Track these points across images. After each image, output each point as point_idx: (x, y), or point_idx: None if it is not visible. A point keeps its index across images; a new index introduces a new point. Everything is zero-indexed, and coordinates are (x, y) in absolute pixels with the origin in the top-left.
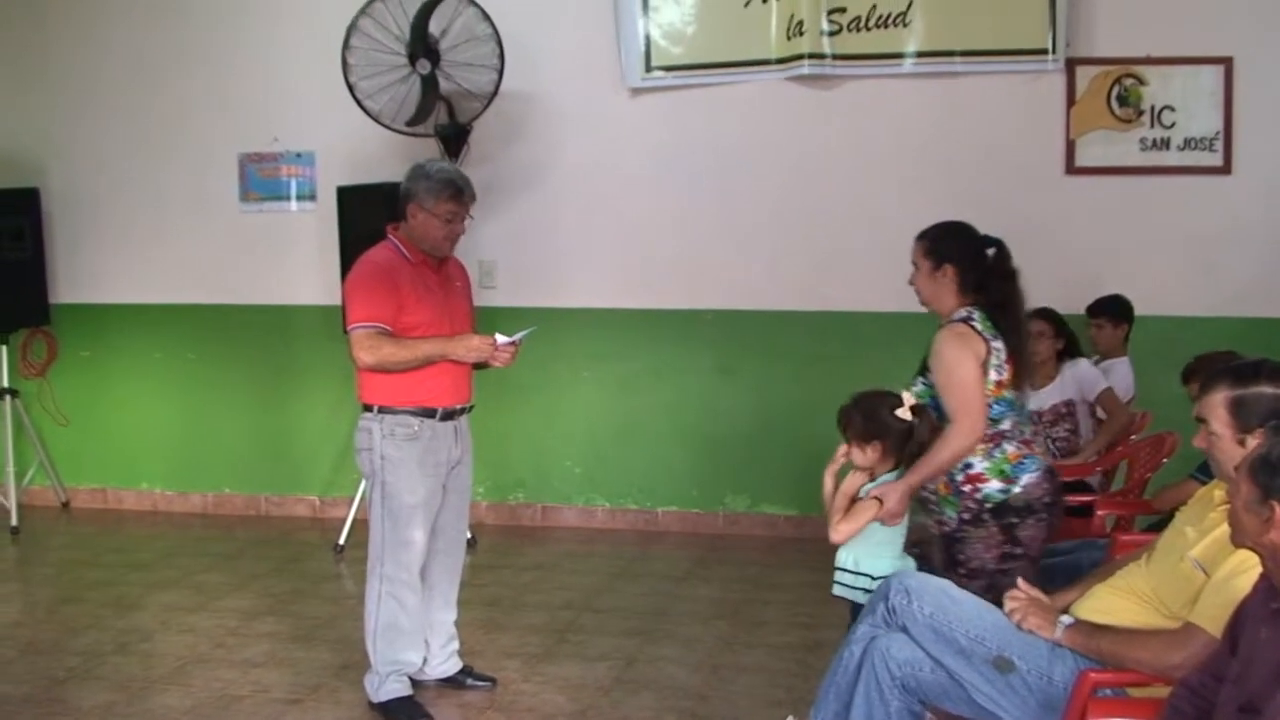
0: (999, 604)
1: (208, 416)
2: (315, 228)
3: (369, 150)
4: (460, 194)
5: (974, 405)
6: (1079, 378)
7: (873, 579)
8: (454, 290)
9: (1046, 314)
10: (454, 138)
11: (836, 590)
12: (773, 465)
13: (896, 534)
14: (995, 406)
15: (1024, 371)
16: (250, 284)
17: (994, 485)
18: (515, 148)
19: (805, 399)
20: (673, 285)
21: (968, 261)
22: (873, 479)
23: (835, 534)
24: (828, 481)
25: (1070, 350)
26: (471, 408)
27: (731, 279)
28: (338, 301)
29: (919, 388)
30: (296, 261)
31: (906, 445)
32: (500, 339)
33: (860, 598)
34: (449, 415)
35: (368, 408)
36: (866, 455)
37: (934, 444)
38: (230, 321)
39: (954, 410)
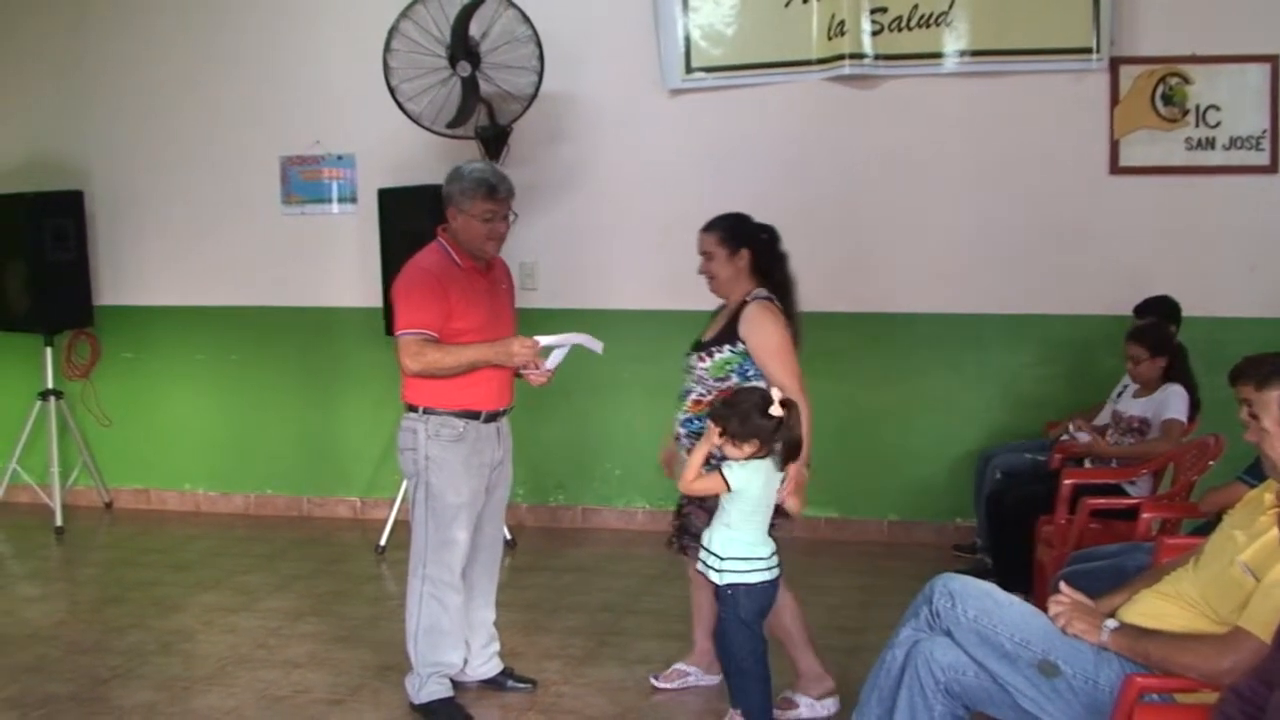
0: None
1: (249, 418)
2: (356, 230)
3: (410, 153)
4: (494, 191)
5: (798, 370)
6: (1163, 399)
7: (720, 558)
8: (501, 293)
9: (1139, 335)
10: (494, 139)
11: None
12: (813, 467)
13: (749, 516)
14: None
15: (799, 349)
16: (291, 286)
17: None
18: (555, 149)
19: (847, 401)
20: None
21: (760, 244)
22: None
23: (690, 490)
24: (698, 455)
25: (1177, 368)
26: (512, 409)
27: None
28: (379, 304)
29: (725, 354)
30: (337, 263)
31: (776, 436)
32: (543, 341)
33: (713, 576)
34: (492, 417)
35: (412, 408)
36: (743, 450)
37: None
38: (271, 323)
39: (783, 375)
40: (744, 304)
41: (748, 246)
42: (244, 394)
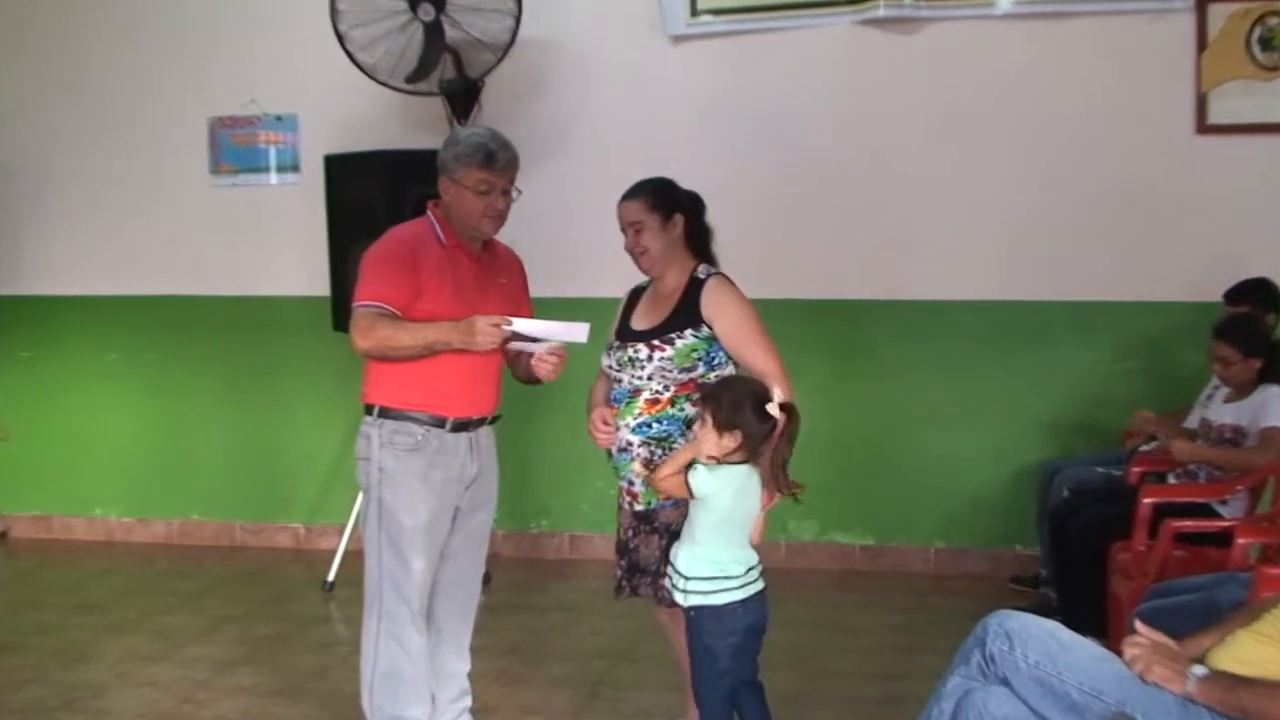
0: None
1: (172, 430)
2: (299, 205)
3: (362, 112)
4: (491, 160)
5: (777, 354)
6: (1261, 404)
7: (684, 577)
8: (497, 288)
9: (1227, 332)
10: (462, 96)
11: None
12: (844, 484)
13: (716, 529)
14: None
15: None
16: (222, 272)
17: None
18: (535, 107)
19: (882, 405)
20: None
21: (689, 209)
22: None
23: (657, 488)
24: (682, 454)
25: (1277, 367)
26: (495, 419)
27: (794, 263)
28: (326, 292)
29: (689, 340)
30: (277, 245)
31: (763, 442)
32: (521, 326)
33: (678, 597)
34: (462, 426)
35: (368, 409)
36: (722, 443)
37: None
38: (199, 316)
39: (768, 362)
40: (695, 281)
41: (680, 213)
42: (165, 401)
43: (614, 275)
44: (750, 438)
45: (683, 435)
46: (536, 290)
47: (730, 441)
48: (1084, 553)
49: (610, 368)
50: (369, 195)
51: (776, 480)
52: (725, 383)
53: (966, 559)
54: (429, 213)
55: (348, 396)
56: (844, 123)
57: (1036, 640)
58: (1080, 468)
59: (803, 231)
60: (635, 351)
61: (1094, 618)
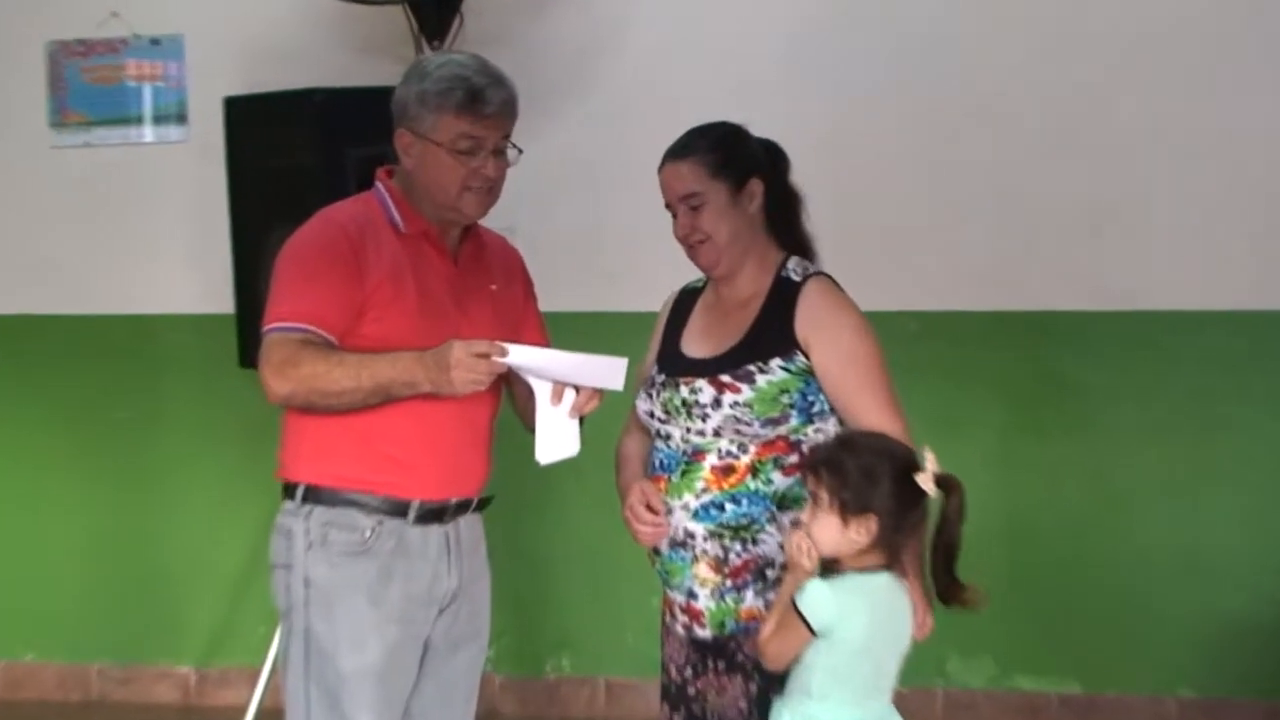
0: None
1: None
2: (187, 174)
3: (283, 32)
4: (478, 101)
5: (899, 406)
6: None
7: None
8: (483, 298)
9: None
10: (435, 6)
11: None
12: (1029, 602)
13: (844, 679)
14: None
15: None
16: (70, 278)
17: None
18: (542, 25)
19: (1086, 478)
20: (826, 268)
21: (769, 169)
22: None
23: (766, 657)
24: (785, 589)
25: None
26: (485, 503)
27: (934, 257)
28: (228, 308)
29: (777, 375)
30: (154, 236)
31: (912, 531)
32: (516, 356)
33: None
34: (433, 515)
35: (288, 490)
36: (848, 537)
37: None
38: (35, 347)
39: (881, 414)
40: (785, 283)
41: (758, 175)
42: None
43: (655, 273)
44: (891, 527)
45: (771, 521)
46: (543, 296)
47: (861, 534)
48: None
49: (652, 417)
50: (294, 158)
51: (938, 588)
52: (847, 443)
53: (1230, 715)
54: (379, 185)
55: (261, 469)
56: (1014, 51)
57: None
58: None
59: (948, 210)
60: (693, 392)
61: None
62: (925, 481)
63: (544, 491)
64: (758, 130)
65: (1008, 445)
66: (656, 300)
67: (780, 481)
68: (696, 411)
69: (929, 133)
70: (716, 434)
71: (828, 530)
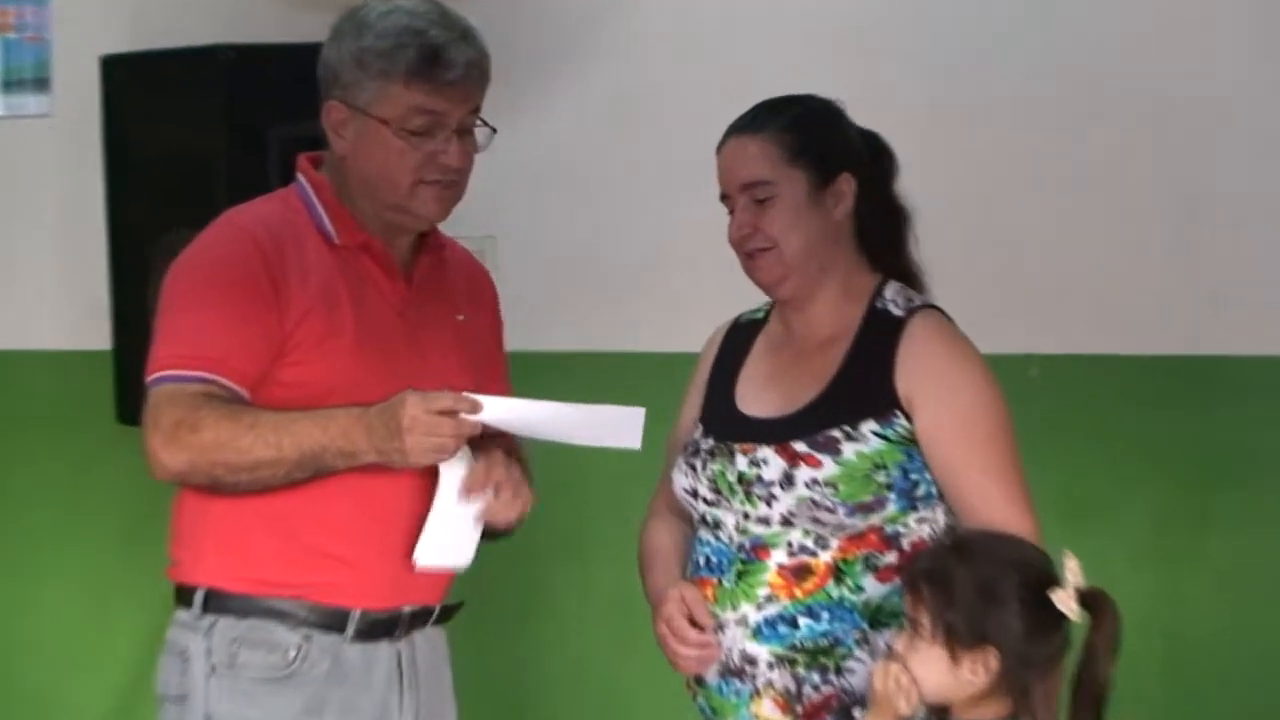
0: None
1: None
2: (52, 159)
3: None
4: (437, 62)
5: (1027, 492)
6: None
7: None
8: (446, 331)
9: None
10: None
11: None
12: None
13: None
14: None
15: None
16: None
17: None
18: None
19: (1262, 575)
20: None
21: (868, 165)
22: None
23: None
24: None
25: None
26: (450, 612)
27: (1066, 282)
28: (104, 344)
29: (871, 444)
30: (9, 245)
31: (1040, 679)
32: (492, 412)
33: None
34: (380, 628)
35: (183, 595)
36: (960, 676)
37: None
38: None
39: (1007, 504)
40: (881, 317)
41: (851, 171)
42: None
43: (682, 308)
44: (1018, 664)
45: (861, 643)
46: (534, 329)
47: (978, 673)
48: None
49: (695, 497)
50: (194, 140)
51: None
52: (959, 548)
53: None
54: (300, 178)
55: (145, 563)
56: (1066, 25)
57: None
58: None
59: (1081, 225)
60: (754, 464)
61: None
62: (1065, 602)
63: (532, 593)
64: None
65: (1165, 538)
66: (677, 337)
67: (873, 589)
68: (759, 491)
69: (1055, 124)
70: (786, 522)
71: (932, 667)
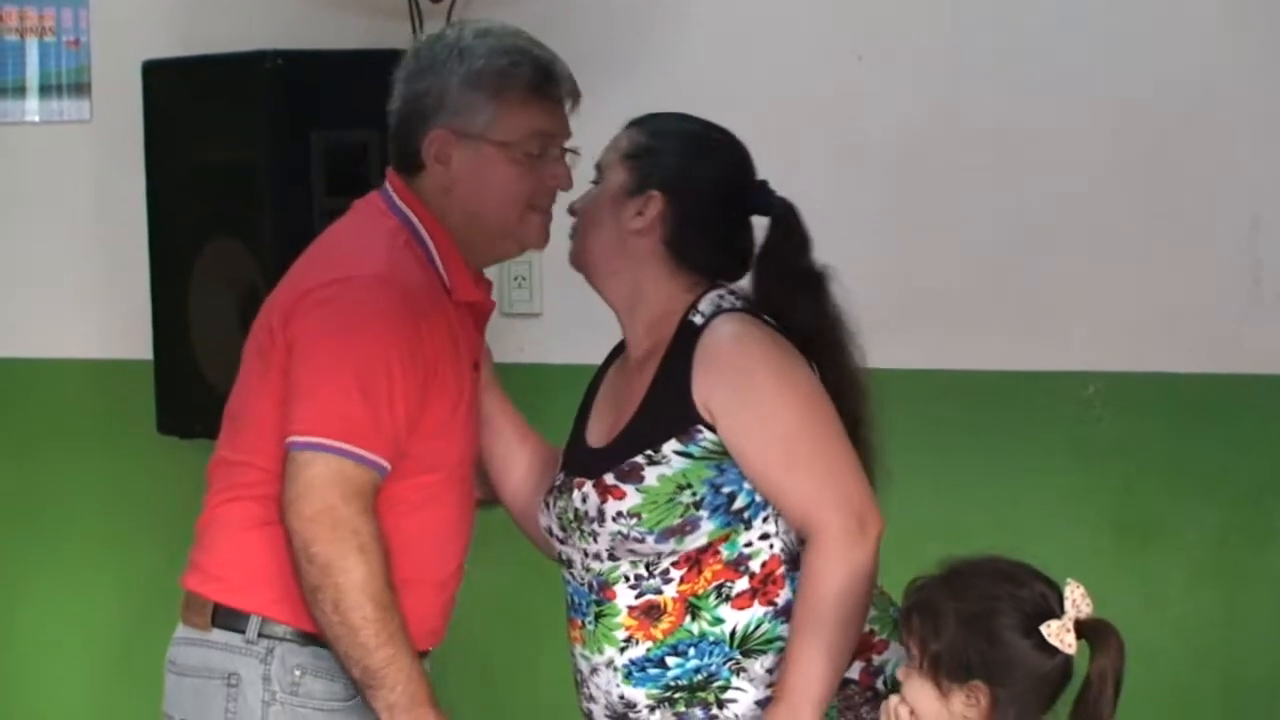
0: None
1: None
2: (90, 165)
3: None
4: (551, 80)
5: (859, 475)
6: None
7: None
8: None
9: None
10: None
11: None
12: None
13: None
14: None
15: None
16: None
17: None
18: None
19: None
20: (971, 318)
21: (697, 196)
22: None
23: None
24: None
25: None
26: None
27: (1119, 295)
28: (144, 353)
29: (673, 466)
30: (41, 253)
31: (1025, 709)
32: None
33: None
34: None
35: (227, 618)
36: (951, 708)
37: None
38: None
39: (821, 486)
40: (686, 329)
41: (664, 192)
42: None
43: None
44: (1012, 699)
45: (738, 672)
46: (568, 345)
47: (970, 708)
48: None
49: (550, 535)
50: (238, 147)
51: None
52: (953, 580)
53: None
54: (404, 209)
55: (177, 570)
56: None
57: None
58: None
59: (1135, 234)
60: (583, 498)
61: None
62: (1058, 635)
63: (513, 627)
64: (890, 135)
65: (1228, 554)
66: None
67: (734, 617)
68: (586, 528)
69: (1119, 139)
70: (613, 557)
71: (924, 699)
